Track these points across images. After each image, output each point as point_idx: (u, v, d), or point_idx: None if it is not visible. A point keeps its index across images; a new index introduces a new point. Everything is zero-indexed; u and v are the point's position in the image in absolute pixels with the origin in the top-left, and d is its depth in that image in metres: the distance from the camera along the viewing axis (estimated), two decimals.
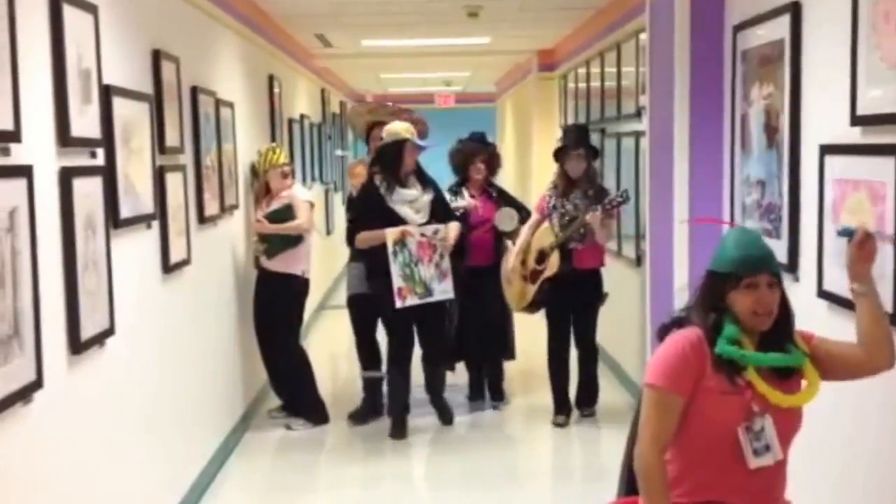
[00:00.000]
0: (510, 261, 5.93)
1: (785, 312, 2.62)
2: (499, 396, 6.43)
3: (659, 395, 2.58)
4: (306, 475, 5.34)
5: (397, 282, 5.54)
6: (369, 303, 5.95)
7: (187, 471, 4.69)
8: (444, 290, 5.68)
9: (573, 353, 6.00)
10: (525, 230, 5.97)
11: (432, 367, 5.94)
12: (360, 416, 6.04)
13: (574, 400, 6.03)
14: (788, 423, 2.60)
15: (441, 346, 5.94)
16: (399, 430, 5.73)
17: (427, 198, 5.67)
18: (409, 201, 5.62)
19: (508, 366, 6.58)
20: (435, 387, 6.00)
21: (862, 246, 2.59)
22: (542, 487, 5.21)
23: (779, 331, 2.61)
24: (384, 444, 5.64)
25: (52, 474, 3.04)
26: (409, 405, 5.86)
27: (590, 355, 6.01)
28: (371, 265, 5.71)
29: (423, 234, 5.58)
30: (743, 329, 2.59)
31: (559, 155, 5.93)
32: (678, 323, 2.72)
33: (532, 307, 5.95)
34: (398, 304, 5.54)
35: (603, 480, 4.90)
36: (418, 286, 5.60)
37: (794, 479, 2.71)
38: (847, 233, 2.65)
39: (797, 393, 2.60)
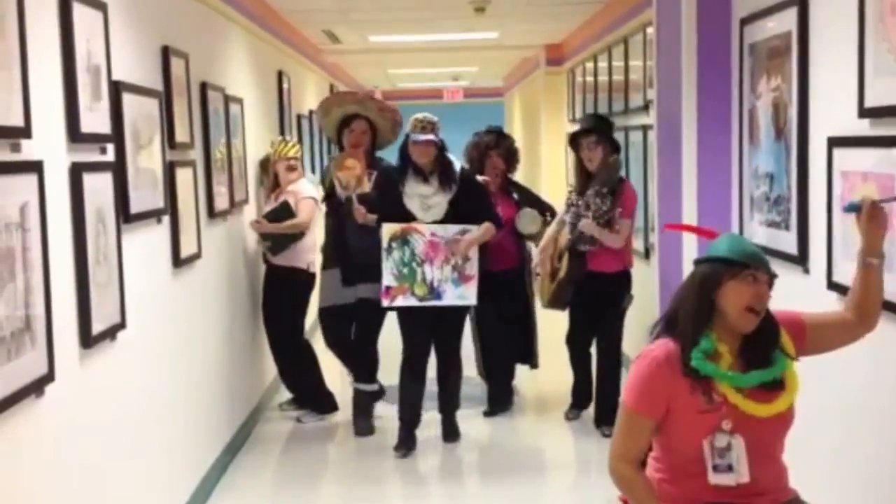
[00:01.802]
0: (539, 253, 5.69)
1: (767, 317, 2.58)
2: (508, 403, 6.13)
3: (628, 415, 2.62)
4: (316, 467, 5.35)
5: (387, 279, 5.23)
6: (342, 314, 5.70)
7: (199, 463, 4.71)
8: (461, 295, 5.29)
9: (593, 364, 5.71)
10: (553, 227, 5.66)
11: (445, 378, 5.55)
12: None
13: (593, 418, 5.68)
14: (777, 425, 2.58)
15: (455, 356, 5.53)
16: (406, 443, 5.42)
17: (442, 198, 5.29)
18: (422, 196, 5.30)
19: (527, 375, 6.34)
20: (445, 402, 5.60)
21: (872, 217, 2.59)
22: (552, 480, 5.22)
23: (762, 338, 2.58)
24: (394, 438, 5.63)
25: (64, 466, 3.06)
26: (421, 417, 5.54)
27: (611, 367, 5.61)
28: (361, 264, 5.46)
29: (433, 233, 5.24)
30: (721, 338, 2.55)
31: (574, 144, 5.56)
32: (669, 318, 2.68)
33: (553, 306, 5.66)
34: (384, 302, 5.28)
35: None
36: (419, 287, 5.26)
37: (794, 468, 2.72)
38: (854, 208, 2.65)
39: (775, 400, 2.56)
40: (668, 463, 2.63)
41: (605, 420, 5.56)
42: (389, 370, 5.75)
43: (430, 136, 5.23)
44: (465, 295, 5.30)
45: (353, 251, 5.61)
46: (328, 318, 5.84)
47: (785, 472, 2.66)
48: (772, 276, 2.57)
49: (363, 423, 5.80)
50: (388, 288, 5.26)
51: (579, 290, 5.48)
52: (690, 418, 2.53)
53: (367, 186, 5.56)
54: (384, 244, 5.24)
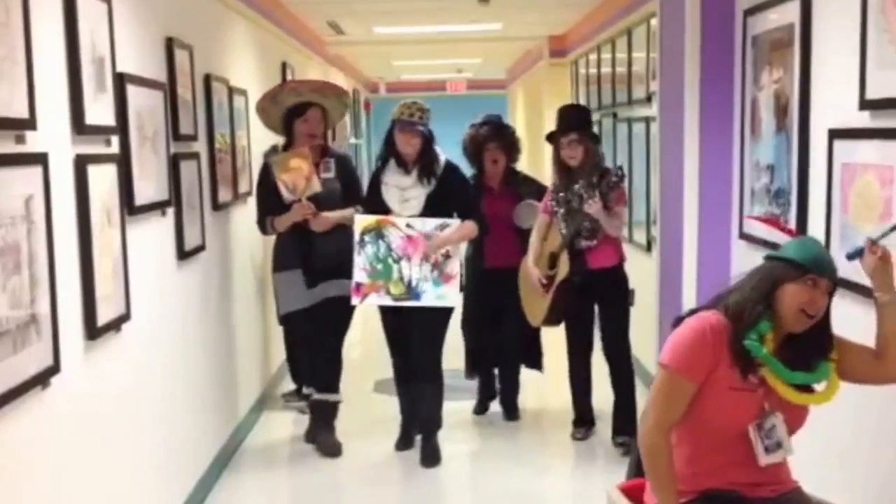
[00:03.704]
0: (530, 272, 5.17)
1: (824, 327, 2.59)
2: (512, 413, 5.82)
3: (670, 376, 2.58)
4: (318, 460, 5.37)
5: (358, 276, 4.85)
6: (308, 317, 5.25)
7: (203, 454, 4.74)
8: (440, 296, 4.86)
9: (605, 370, 5.24)
10: (533, 236, 5.21)
11: (422, 393, 5.12)
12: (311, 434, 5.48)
13: (611, 429, 5.27)
14: (796, 418, 2.62)
15: (435, 365, 5.08)
16: (406, 438, 5.35)
17: (420, 191, 4.89)
18: (400, 188, 4.91)
19: (529, 377, 6.09)
20: (424, 420, 5.18)
21: (874, 252, 2.58)
22: (553, 469, 5.24)
23: (808, 343, 2.58)
24: (396, 430, 5.65)
25: (70, 457, 3.08)
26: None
27: (622, 371, 5.19)
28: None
29: (409, 226, 4.87)
30: (775, 325, 2.56)
31: (552, 140, 5.11)
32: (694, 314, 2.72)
33: (550, 320, 5.20)
34: (354, 300, 4.90)
35: (614, 464, 4.94)
36: (394, 286, 4.87)
37: (799, 463, 2.74)
38: (856, 252, 2.65)
39: (811, 393, 2.60)
40: (691, 436, 2.63)
41: (624, 431, 5.13)
42: (385, 369, 5.68)
43: (419, 125, 4.85)
44: (445, 295, 4.88)
45: (316, 255, 5.15)
46: (294, 323, 5.42)
47: (787, 466, 2.69)
48: (833, 286, 2.57)
49: (327, 439, 5.37)
50: (358, 285, 4.88)
51: (575, 296, 5.08)
52: (725, 395, 2.55)
53: (317, 186, 5.01)
54: (356, 237, 4.87)
